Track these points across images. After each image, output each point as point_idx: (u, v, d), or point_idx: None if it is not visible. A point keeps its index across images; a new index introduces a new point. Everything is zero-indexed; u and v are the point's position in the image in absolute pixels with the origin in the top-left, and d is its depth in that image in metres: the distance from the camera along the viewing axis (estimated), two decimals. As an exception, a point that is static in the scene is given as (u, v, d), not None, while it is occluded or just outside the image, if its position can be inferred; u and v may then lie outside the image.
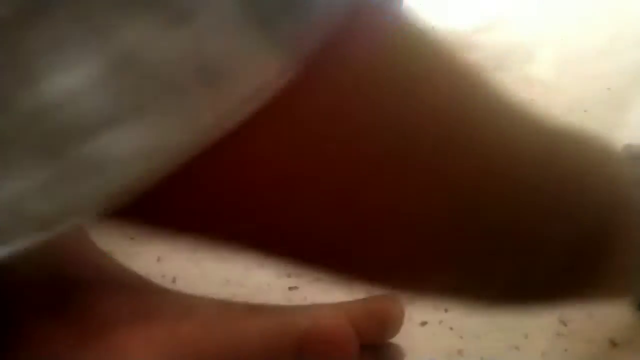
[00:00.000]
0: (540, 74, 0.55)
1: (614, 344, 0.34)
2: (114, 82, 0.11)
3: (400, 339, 0.30)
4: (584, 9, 0.63)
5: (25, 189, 0.11)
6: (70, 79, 0.11)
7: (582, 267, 0.23)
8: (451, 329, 0.35)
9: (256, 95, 0.12)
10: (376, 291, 0.29)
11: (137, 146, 0.11)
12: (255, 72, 0.12)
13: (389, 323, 0.28)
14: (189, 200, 0.15)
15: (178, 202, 0.15)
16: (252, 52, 0.12)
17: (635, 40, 0.59)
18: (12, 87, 0.10)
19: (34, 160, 0.11)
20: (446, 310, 0.35)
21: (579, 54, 0.60)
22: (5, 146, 0.11)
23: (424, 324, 0.35)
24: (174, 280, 0.36)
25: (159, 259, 0.37)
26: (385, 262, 0.19)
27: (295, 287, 0.36)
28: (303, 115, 0.15)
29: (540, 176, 0.20)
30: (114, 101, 0.11)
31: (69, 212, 0.12)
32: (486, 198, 0.19)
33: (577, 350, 0.34)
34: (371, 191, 0.17)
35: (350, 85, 0.15)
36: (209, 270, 0.37)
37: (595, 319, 0.36)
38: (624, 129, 0.49)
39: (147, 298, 0.28)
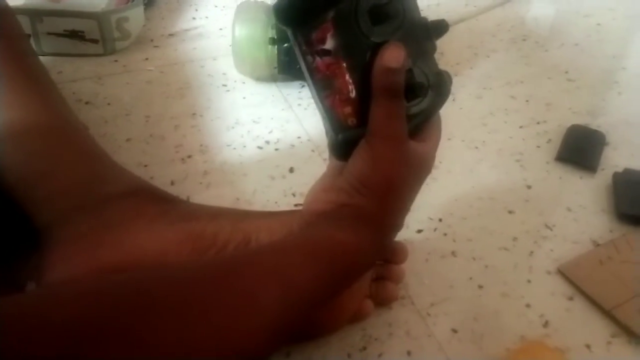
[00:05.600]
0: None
1: (596, 244, 0.37)
2: None
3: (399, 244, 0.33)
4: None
5: None
6: None
7: None
8: (445, 234, 0.37)
9: None
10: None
11: None
12: None
13: None
14: None
15: None
16: None
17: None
18: None
19: None
20: (440, 220, 0.38)
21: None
22: None
23: (419, 231, 0.37)
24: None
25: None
26: None
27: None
28: None
29: None
30: None
31: None
32: None
33: (562, 250, 0.36)
34: None
35: None
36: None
37: (580, 222, 0.38)
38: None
39: (160, 204, 0.32)
